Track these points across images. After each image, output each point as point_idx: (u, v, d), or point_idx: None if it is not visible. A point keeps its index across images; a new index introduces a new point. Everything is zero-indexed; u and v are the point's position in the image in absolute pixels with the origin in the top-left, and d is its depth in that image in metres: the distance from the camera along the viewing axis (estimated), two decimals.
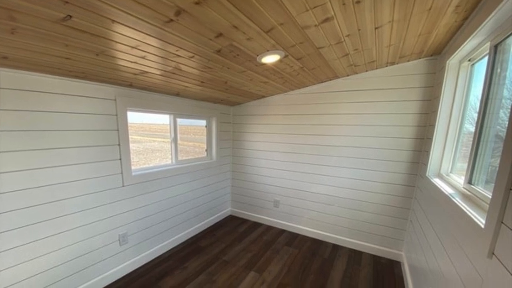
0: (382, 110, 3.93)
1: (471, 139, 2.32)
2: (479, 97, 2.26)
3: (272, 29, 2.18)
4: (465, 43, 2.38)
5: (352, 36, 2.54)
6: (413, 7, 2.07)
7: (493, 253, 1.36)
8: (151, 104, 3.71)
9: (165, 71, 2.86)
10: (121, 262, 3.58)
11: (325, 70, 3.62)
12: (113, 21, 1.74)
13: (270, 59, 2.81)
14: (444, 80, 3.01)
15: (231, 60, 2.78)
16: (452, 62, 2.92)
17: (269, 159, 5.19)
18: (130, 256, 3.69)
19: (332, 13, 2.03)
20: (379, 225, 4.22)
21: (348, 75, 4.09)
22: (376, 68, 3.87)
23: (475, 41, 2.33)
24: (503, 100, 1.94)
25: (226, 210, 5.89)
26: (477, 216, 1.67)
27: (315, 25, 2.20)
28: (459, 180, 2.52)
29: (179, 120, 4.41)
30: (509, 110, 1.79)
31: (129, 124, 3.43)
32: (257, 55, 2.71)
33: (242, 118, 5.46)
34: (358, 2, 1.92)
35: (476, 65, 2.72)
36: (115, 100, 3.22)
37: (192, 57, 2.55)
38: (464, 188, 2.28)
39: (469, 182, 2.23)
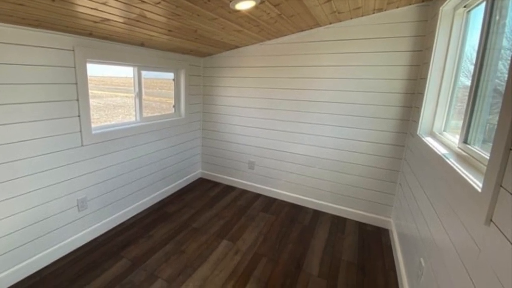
0: (368, 62, 3.90)
1: (467, 93, 2.32)
2: (476, 47, 2.27)
3: None
4: None
5: None
6: None
7: (491, 220, 1.35)
8: (113, 55, 3.63)
9: (128, 18, 2.79)
10: (80, 230, 3.53)
11: (305, 17, 3.55)
12: None
13: (245, 5, 2.76)
14: (437, 29, 2.99)
15: (201, 7, 2.70)
16: (446, 8, 2.89)
17: (243, 116, 5.13)
18: (90, 223, 3.65)
19: None
20: (365, 188, 4.28)
21: (331, 23, 4.02)
22: (362, 16, 3.80)
23: None
24: (502, 51, 1.92)
25: (196, 173, 5.88)
26: (473, 179, 1.66)
27: None
28: (454, 139, 2.54)
29: (143, 73, 4.31)
30: (508, 62, 1.77)
31: (88, 77, 3.36)
32: (230, 1, 2.64)
33: (214, 71, 5.33)
34: None
35: (473, 12, 2.71)
36: (73, 50, 3.12)
37: (158, 3, 2.48)
38: (459, 148, 2.29)
39: (465, 141, 2.23)
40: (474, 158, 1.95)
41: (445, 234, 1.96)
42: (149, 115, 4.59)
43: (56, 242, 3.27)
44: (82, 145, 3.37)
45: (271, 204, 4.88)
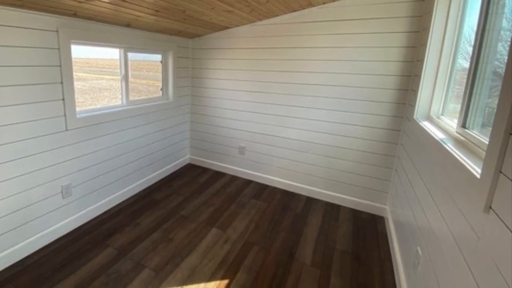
0: (363, 43, 3.88)
1: (465, 76, 2.31)
2: (475, 28, 2.26)
3: None
4: None
5: None
6: None
7: (490, 207, 1.34)
8: (99, 36, 3.61)
9: None
10: (64, 218, 3.51)
11: None
12: None
13: None
14: (434, 9, 2.96)
15: None
16: None
17: (234, 100, 5.11)
18: (74, 211, 3.62)
19: None
20: (359, 175, 4.29)
21: (324, 3, 3.99)
22: None
23: None
24: (502, 32, 1.92)
25: (184, 158, 5.87)
26: (472, 164, 1.65)
27: None
28: (452, 123, 2.54)
29: (130, 55, 4.28)
30: (508, 43, 1.77)
31: (73, 59, 3.33)
32: None
33: (203, 53, 5.29)
34: None
35: None
36: (57, 31, 3.09)
37: None
38: (457, 132, 2.29)
39: (463, 125, 2.23)
40: (473, 143, 1.94)
41: (443, 222, 1.96)
42: (136, 98, 4.56)
43: (40, 230, 3.25)
44: (66, 130, 3.34)
45: (262, 190, 4.88)
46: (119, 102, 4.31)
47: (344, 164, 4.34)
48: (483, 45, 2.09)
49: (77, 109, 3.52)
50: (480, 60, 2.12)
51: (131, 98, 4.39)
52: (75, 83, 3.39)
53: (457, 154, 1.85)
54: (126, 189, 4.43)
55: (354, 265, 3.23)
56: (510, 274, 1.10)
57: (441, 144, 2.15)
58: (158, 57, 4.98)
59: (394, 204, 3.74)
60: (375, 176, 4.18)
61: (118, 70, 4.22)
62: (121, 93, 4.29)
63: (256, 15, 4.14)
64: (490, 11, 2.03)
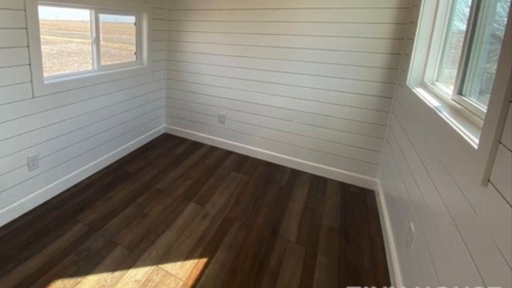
0: (352, 4, 3.85)
1: (462, 39, 2.30)
2: None
3: None
4: None
5: None
6: None
7: (488, 180, 1.33)
8: None
9: None
10: (31, 191, 3.48)
11: None
12: None
13: None
14: None
15: None
16: None
17: (213, 64, 5.06)
18: (41, 184, 3.60)
19: None
20: (348, 145, 4.29)
21: None
22: None
23: None
24: None
25: (159, 127, 5.85)
26: (469, 134, 1.64)
27: None
28: (447, 90, 2.55)
29: (101, 16, 4.25)
30: (508, 4, 1.75)
31: (40, 21, 3.30)
32: None
33: (180, 14, 5.22)
34: None
35: None
36: None
37: None
38: (453, 100, 2.28)
39: (459, 92, 2.23)
40: (470, 111, 1.94)
41: (438, 196, 1.95)
42: (108, 63, 4.54)
43: (4, 205, 3.21)
44: (33, 97, 3.31)
45: (243, 162, 4.88)
46: (90, 67, 4.27)
47: (332, 134, 4.33)
48: (481, 5, 2.08)
49: (45, 74, 3.48)
50: (478, 22, 2.11)
51: (102, 63, 4.35)
52: (43, 46, 3.35)
53: (453, 123, 1.84)
54: (98, 160, 4.40)
55: (342, 242, 3.24)
56: (510, 252, 1.09)
57: (435, 112, 2.15)
58: (131, 19, 4.92)
59: (385, 176, 3.77)
60: (364, 147, 4.18)
61: (89, 33, 4.16)
62: (92, 58, 4.24)
63: None
64: None
